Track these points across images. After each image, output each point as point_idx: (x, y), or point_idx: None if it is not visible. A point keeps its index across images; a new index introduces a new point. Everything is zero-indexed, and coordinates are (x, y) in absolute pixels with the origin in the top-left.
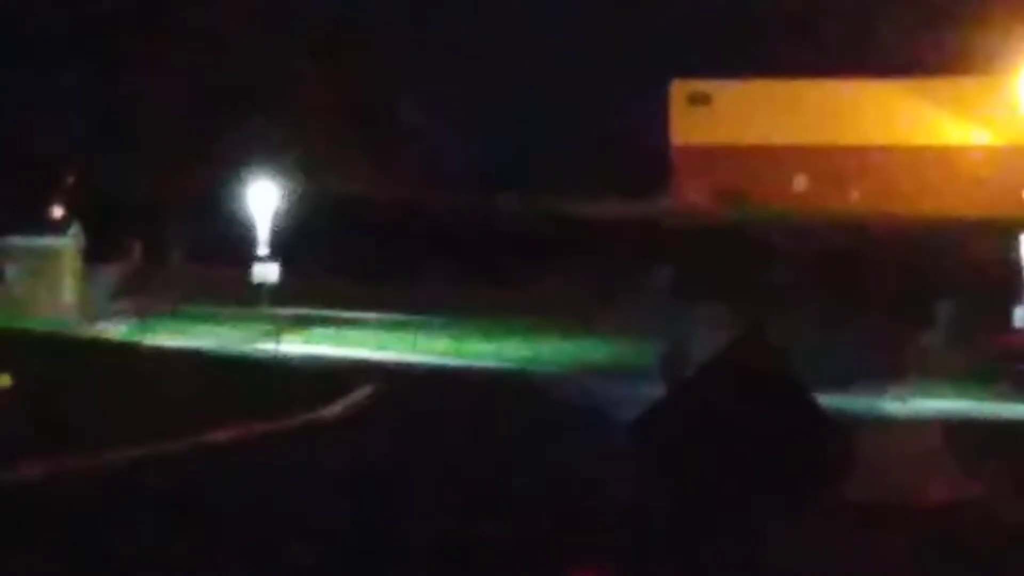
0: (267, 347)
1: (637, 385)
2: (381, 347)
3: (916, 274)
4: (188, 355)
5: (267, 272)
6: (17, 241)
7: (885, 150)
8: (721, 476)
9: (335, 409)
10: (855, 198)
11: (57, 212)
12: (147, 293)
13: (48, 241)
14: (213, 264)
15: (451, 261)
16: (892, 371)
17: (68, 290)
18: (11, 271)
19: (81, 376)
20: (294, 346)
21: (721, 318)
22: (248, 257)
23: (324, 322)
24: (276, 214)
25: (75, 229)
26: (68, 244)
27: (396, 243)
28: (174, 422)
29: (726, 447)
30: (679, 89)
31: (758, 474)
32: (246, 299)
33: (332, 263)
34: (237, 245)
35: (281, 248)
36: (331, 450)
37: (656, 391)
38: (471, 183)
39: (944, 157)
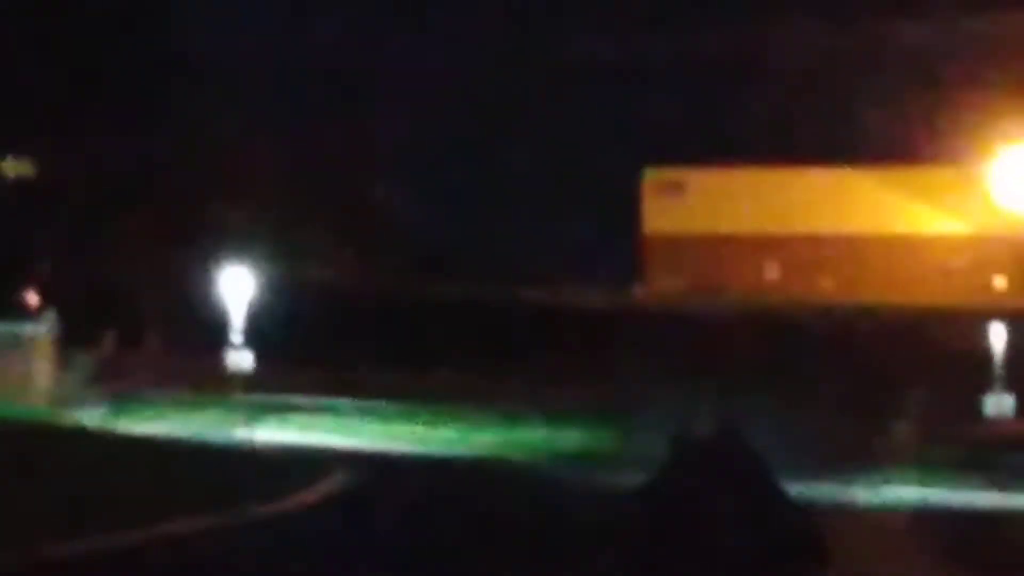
0: (241, 434)
1: (612, 474)
2: (354, 435)
3: (887, 362)
4: (160, 442)
5: (241, 359)
6: None
7: (857, 239)
8: (695, 564)
9: (307, 497)
10: (826, 286)
11: (32, 299)
12: (123, 380)
13: (22, 328)
14: (188, 351)
15: (424, 348)
16: (864, 460)
17: (43, 377)
18: None
19: (48, 463)
20: (268, 433)
21: (702, 407)
22: (223, 344)
23: (298, 409)
24: (250, 301)
25: (50, 316)
26: (43, 331)
27: (371, 331)
28: (138, 511)
29: (698, 542)
30: (651, 177)
31: (731, 568)
32: (221, 386)
33: (307, 351)
34: (212, 332)
35: (255, 335)
36: (302, 539)
37: (634, 479)
38: (445, 271)
39: (916, 246)
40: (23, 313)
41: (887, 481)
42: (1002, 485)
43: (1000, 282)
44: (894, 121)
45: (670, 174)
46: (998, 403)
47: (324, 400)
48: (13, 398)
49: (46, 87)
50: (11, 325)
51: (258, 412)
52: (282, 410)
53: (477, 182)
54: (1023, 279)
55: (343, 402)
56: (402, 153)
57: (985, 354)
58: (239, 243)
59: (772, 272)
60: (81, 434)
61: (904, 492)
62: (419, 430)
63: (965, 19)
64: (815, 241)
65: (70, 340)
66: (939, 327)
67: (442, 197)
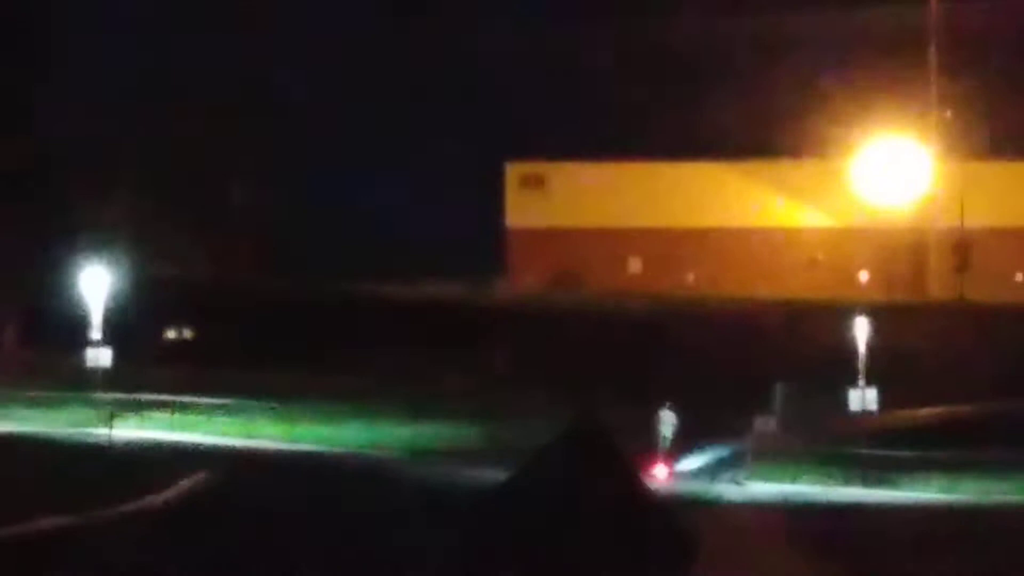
0: (99, 432)
1: (476, 468)
2: (215, 432)
3: (753, 356)
4: (16, 440)
5: (100, 356)
6: None
7: (721, 232)
8: (556, 564)
9: (166, 496)
10: (690, 280)
11: None
12: None
13: None
14: (46, 348)
15: (286, 344)
16: (730, 454)
17: None
18: None
19: None
20: (127, 431)
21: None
22: (81, 341)
23: (158, 407)
24: (109, 298)
25: None
26: None
27: (229, 327)
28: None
29: (562, 540)
30: (513, 171)
31: (593, 562)
32: (79, 384)
33: (166, 348)
34: (70, 329)
35: (114, 332)
36: (161, 539)
37: (497, 474)
38: (305, 267)
39: (779, 240)
40: None
41: (751, 476)
42: (864, 479)
43: (863, 276)
44: (758, 115)
45: (532, 168)
46: (861, 397)
47: (184, 397)
48: None
49: None
50: None
51: (118, 409)
52: (142, 408)
53: (336, 178)
54: (886, 273)
55: (204, 399)
56: (259, 150)
57: (849, 348)
58: (99, 241)
59: (635, 266)
60: None
61: (768, 487)
62: (281, 426)
63: (830, 15)
64: (678, 235)
65: None
66: (802, 321)
67: (301, 194)
